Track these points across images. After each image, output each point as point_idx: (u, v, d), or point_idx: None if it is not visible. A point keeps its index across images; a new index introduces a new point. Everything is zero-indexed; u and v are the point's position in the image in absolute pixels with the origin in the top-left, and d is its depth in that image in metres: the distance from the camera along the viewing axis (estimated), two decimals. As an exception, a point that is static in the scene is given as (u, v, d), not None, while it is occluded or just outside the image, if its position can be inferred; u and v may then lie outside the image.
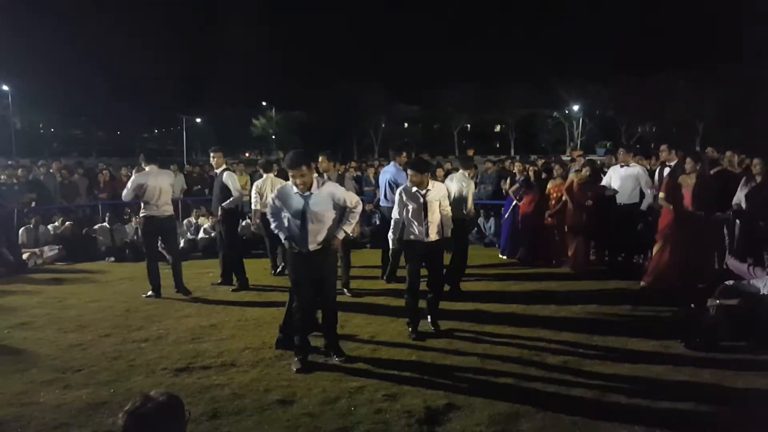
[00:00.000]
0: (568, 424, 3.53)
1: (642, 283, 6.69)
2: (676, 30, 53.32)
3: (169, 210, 6.76)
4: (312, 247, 4.39)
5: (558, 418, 3.58)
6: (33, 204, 10.03)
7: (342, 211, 4.53)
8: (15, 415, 3.68)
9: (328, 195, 4.42)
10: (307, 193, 4.34)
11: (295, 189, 4.35)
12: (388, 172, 7.29)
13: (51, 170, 11.44)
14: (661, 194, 6.67)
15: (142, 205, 6.65)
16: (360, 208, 4.65)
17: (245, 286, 7.05)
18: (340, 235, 4.52)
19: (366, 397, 3.87)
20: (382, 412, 3.65)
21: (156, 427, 1.82)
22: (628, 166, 7.61)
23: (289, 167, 4.31)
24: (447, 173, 11.73)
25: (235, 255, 7.18)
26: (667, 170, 7.24)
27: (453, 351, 4.77)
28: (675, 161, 7.29)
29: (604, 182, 7.95)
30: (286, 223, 4.47)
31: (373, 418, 3.57)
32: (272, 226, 4.59)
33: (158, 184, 6.59)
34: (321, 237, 4.41)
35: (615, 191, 7.61)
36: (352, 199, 4.57)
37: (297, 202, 4.36)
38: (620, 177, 7.63)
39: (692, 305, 5.31)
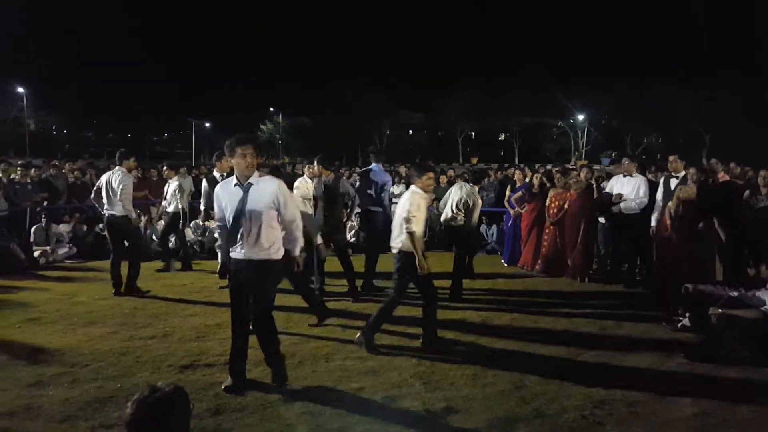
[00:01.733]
0: (565, 430, 3.59)
1: (645, 292, 6.72)
2: (681, 38, 53.13)
3: (117, 210, 6.83)
4: (249, 253, 3.92)
5: (555, 425, 3.65)
6: (45, 203, 10.21)
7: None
8: (25, 406, 3.79)
9: (271, 192, 3.94)
10: (247, 184, 3.91)
11: (234, 181, 3.96)
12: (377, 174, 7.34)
13: (63, 171, 11.61)
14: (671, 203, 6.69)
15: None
16: (299, 222, 4.12)
17: None
18: (296, 252, 4.14)
19: (366, 398, 3.96)
20: (382, 413, 3.73)
21: (163, 414, 1.91)
22: (631, 175, 7.65)
23: (238, 144, 3.87)
24: (450, 181, 11.87)
25: None
26: (674, 181, 7.22)
27: (452, 356, 4.83)
28: (682, 173, 7.27)
29: (606, 191, 7.99)
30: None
31: (373, 419, 3.65)
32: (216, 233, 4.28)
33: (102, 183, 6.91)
34: (261, 243, 3.92)
35: (622, 198, 7.56)
36: (292, 210, 4.06)
37: (235, 196, 3.93)
38: (623, 187, 7.67)
39: (687, 313, 5.38)
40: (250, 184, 3.92)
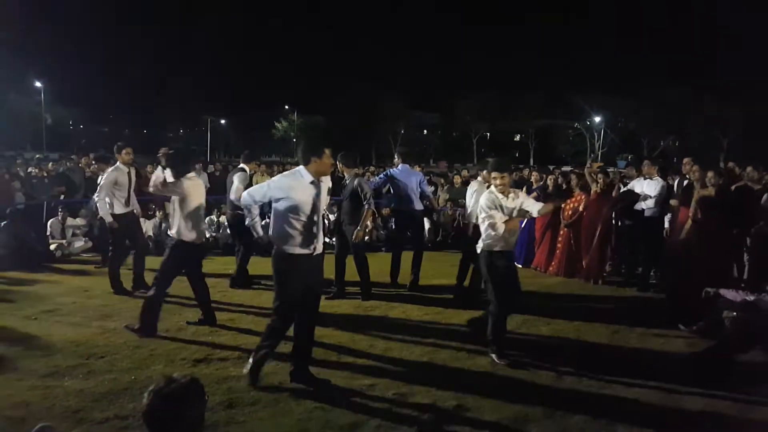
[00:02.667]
0: (576, 430, 3.58)
1: (660, 295, 6.65)
2: (699, 42, 52.55)
3: None
4: (319, 247, 4.11)
5: (566, 425, 3.64)
6: (62, 197, 10.34)
7: None
8: (40, 397, 3.84)
9: (327, 188, 4.18)
10: (319, 181, 4.04)
11: (310, 177, 3.98)
12: (411, 174, 7.32)
13: (80, 165, 11.76)
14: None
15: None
16: None
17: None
18: None
19: (377, 395, 3.97)
20: (393, 409, 3.74)
21: (179, 405, 1.93)
22: (651, 178, 7.56)
23: (326, 146, 4.03)
24: (465, 181, 11.83)
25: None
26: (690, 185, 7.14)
27: (464, 354, 4.84)
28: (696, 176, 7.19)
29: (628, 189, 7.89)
30: (257, 219, 4.17)
31: (384, 415, 3.66)
32: (251, 220, 4.17)
33: None
34: (321, 235, 4.15)
35: (645, 196, 7.45)
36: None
37: (311, 192, 3.98)
38: (642, 190, 7.59)
39: (702, 316, 5.33)
40: (321, 181, 4.04)
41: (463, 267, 6.78)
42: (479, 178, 6.83)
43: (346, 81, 58.07)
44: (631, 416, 3.75)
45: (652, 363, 4.75)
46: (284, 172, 4.20)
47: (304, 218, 3.95)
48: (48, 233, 9.42)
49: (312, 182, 3.98)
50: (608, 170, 8.95)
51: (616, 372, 4.51)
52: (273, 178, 4.19)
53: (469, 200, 6.58)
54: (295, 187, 3.96)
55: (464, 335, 5.34)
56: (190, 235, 5.20)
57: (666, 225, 7.28)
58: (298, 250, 3.99)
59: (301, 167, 4.02)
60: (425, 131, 62.84)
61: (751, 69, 41.89)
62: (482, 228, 4.78)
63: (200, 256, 5.70)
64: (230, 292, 6.86)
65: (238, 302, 6.39)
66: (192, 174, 5.40)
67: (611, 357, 4.89)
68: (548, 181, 8.90)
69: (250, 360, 4.14)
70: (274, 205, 4.03)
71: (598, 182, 8.06)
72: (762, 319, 4.65)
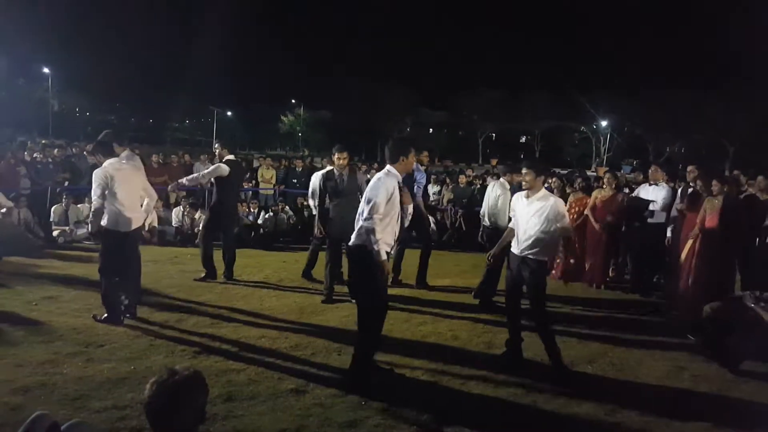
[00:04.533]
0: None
1: (667, 308, 6.61)
2: (708, 48, 52.33)
3: None
4: None
5: (565, 429, 3.63)
6: (66, 183, 10.33)
7: None
8: (39, 383, 3.83)
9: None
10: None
11: (399, 177, 4.11)
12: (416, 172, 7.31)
13: (85, 152, 11.75)
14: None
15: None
16: None
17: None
18: None
19: (377, 393, 3.91)
20: (393, 408, 3.72)
21: (181, 397, 1.92)
22: (657, 184, 7.51)
23: (416, 146, 4.31)
24: (469, 181, 11.81)
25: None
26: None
27: (465, 357, 4.80)
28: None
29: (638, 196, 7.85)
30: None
31: (383, 413, 3.64)
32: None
33: None
34: None
35: (650, 202, 7.37)
36: None
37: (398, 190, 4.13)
38: (648, 196, 7.53)
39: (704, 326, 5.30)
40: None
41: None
42: (501, 180, 6.63)
43: (353, 76, 57.85)
44: (632, 423, 3.72)
45: (654, 370, 4.70)
46: (381, 176, 4.07)
47: (397, 216, 4.08)
48: (51, 219, 9.43)
49: (399, 181, 4.09)
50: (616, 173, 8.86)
51: (616, 379, 4.48)
52: (384, 185, 3.99)
53: (493, 202, 6.43)
54: (396, 188, 4.02)
55: (465, 337, 5.30)
56: (111, 223, 5.15)
57: (668, 233, 7.22)
58: (388, 248, 4.06)
59: (390, 167, 4.11)
60: (431, 129, 62.70)
61: (762, 76, 41.55)
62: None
63: (122, 244, 5.26)
64: (230, 286, 6.84)
65: (240, 297, 6.37)
66: (113, 160, 5.23)
67: (612, 363, 4.85)
68: (552, 185, 8.83)
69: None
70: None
71: (603, 187, 8.01)
72: (761, 330, 4.63)
